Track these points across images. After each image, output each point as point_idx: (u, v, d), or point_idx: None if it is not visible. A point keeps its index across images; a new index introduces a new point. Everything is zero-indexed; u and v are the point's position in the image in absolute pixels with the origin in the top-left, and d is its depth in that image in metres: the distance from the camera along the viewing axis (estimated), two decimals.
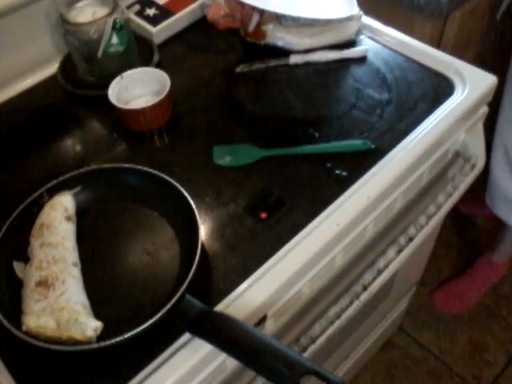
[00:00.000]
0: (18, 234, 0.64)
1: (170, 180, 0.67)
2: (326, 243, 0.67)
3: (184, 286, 0.57)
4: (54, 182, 0.68)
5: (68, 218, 0.65)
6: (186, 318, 0.56)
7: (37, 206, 0.66)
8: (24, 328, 0.56)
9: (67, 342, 0.55)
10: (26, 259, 0.62)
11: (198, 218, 0.63)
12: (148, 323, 0.55)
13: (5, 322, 0.56)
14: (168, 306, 0.56)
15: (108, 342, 0.54)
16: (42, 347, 0.55)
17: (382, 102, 0.82)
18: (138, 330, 0.55)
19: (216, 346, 0.55)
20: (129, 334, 0.54)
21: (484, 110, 0.86)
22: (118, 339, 0.54)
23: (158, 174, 0.68)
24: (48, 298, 0.57)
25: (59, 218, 0.64)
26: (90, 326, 0.56)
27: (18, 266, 0.62)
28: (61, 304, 0.57)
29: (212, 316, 0.57)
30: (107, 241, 0.67)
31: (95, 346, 0.55)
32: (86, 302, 0.59)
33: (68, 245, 0.63)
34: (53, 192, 0.67)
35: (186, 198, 0.65)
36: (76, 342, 0.55)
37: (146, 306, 0.59)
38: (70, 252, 0.62)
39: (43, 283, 0.58)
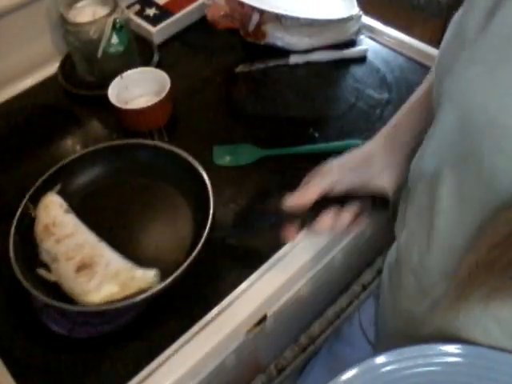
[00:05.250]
0: (25, 247, 0.63)
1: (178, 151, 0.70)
2: (325, 243, 0.67)
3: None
4: (32, 189, 0.67)
5: (67, 211, 0.66)
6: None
7: (27, 217, 0.66)
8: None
9: (134, 295, 0.58)
10: (41, 265, 0.62)
11: (208, 185, 0.65)
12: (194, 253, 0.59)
13: (71, 307, 0.58)
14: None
15: (170, 279, 0.57)
16: (122, 307, 0.57)
17: (382, 102, 0.82)
18: (189, 261, 0.58)
19: None
20: (184, 265, 0.57)
21: None
22: (177, 273, 0.57)
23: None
24: (97, 272, 0.59)
25: (60, 213, 0.65)
26: (148, 275, 0.59)
27: (42, 273, 0.62)
28: (112, 271, 0.60)
29: None
30: (128, 213, 0.69)
31: (162, 285, 0.57)
32: (130, 261, 0.62)
33: (82, 230, 0.64)
34: (36, 198, 0.67)
35: (196, 169, 0.67)
36: (142, 292, 0.58)
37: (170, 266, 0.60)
38: (88, 234, 0.64)
39: (82, 267, 0.60)
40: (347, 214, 0.57)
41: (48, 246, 0.63)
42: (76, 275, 0.60)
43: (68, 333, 0.60)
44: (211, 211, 0.63)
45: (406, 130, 0.59)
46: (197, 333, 0.59)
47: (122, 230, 0.67)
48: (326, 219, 0.56)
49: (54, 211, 0.66)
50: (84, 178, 0.72)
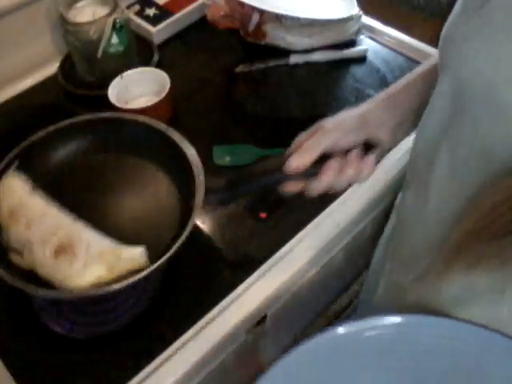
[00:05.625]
0: None
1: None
2: (326, 243, 0.67)
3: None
4: None
5: (33, 190, 0.61)
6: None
7: None
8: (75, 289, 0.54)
9: (125, 277, 0.54)
10: (10, 250, 0.57)
11: (187, 154, 0.63)
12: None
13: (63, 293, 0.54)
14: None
15: (162, 260, 0.53)
16: (115, 290, 0.53)
17: None
18: (184, 237, 0.54)
19: None
20: (176, 245, 0.54)
21: None
22: (170, 254, 0.54)
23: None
24: (78, 254, 0.55)
25: (26, 193, 0.60)
26: (136, 253, 0.55)
27: (15, 259, 0.57)
28: (95, 252, 0.55)
29: None
30: (109, 189, 0.66)
31: (154, 267, 0.54)
32: (113, 240, 0.57)
33: (53, 210, 0.59)
34: None
35: (172, 140, 0.65)
36: (132, 273, 0.54)
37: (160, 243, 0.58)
38: (61, 214, 0.59)
39: (61, 250, 0.55)
40: (349, 168, 0.53)
41: (17, 231, 0.57)
42: (55, 260, 0.55)
43: (68, 333, 0.60)
44: (196, 179, 0.60)
45: (408, 96, 0.58)
46: (197, 333, 0.59)
47: (101, 209, 0.63)
48: (326, 177, 0.53)
49: (17, 193, 0.60)
50: (55, 157, 0.67)
